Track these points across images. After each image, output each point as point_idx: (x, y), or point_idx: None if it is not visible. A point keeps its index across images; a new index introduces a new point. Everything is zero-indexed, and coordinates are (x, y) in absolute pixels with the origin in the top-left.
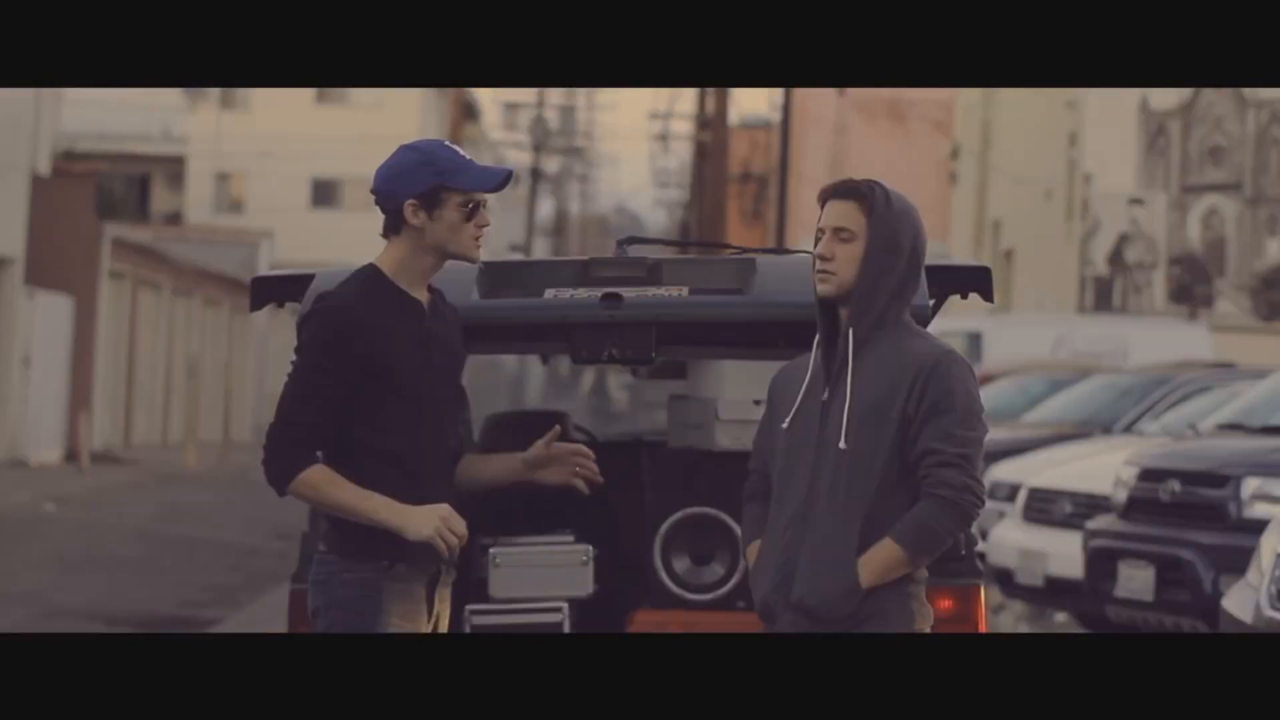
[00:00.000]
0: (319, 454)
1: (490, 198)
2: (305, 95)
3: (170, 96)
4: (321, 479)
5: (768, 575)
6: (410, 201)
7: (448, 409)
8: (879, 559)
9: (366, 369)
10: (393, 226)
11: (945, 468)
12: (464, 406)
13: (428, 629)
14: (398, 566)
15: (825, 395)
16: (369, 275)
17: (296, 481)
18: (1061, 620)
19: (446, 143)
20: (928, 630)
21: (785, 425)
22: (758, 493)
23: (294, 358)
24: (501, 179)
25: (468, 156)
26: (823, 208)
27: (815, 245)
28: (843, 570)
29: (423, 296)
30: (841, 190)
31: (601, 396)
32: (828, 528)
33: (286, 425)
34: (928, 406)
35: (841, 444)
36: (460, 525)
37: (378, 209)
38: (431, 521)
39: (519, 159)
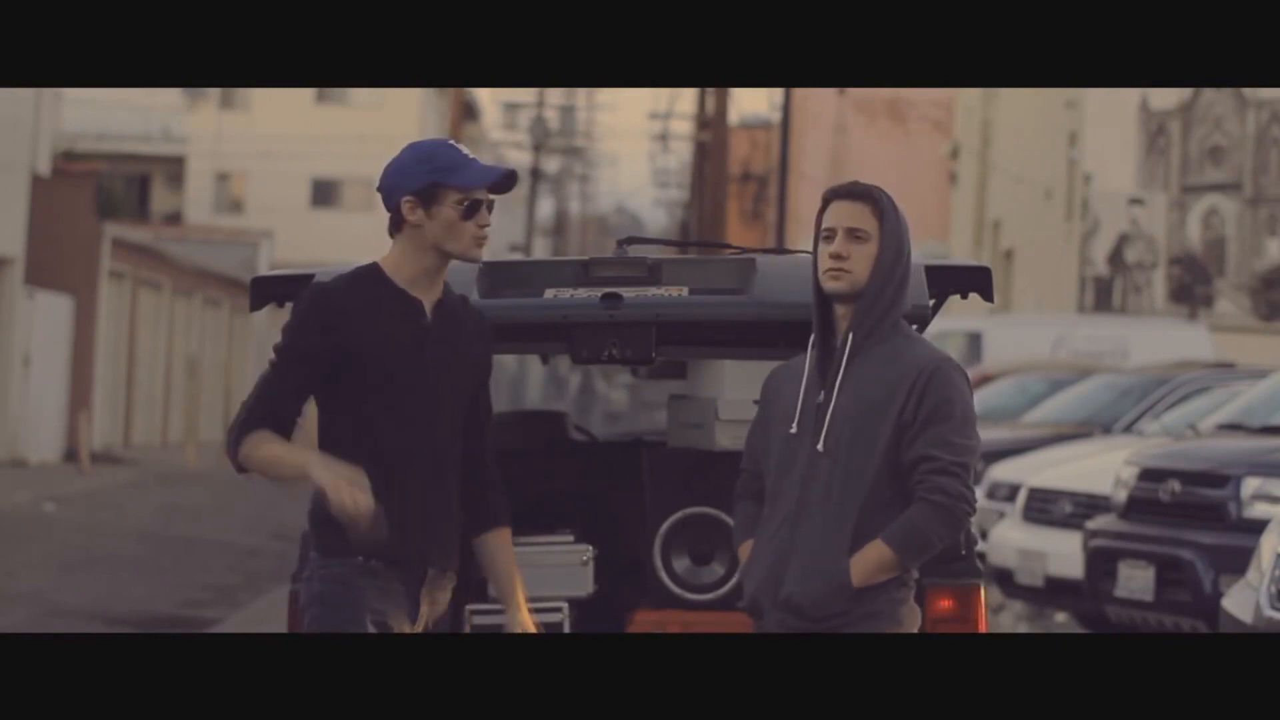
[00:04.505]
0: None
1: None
2: (305, 95)
3: (170, 96)
4: (256, 439)
5: (758, 573)
6: (407, 199)
7: (445, 412)
8: (869, 559)
9: (340, 359)
10: (394, 224)
11: (942, 475)
12: (487, 413)
13: (408, 628)
14: (373, 562)
15: (821, 398)
16: (365, 270)
17: (241, 452)
18: (1061, 620)
19: (450, 142)
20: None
21: (793, 431)
22: (748, 492)
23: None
24: (499, 177)
25: (470, 155)
26: (825, 207)
27: (820, 243)
28: (833, 570)
29: (426, 296)
30: (854, 192)
31: (589, 395)
32: (820, 529)
33: (249, 406)
34: (926, 413)
35: (819, 446)
36: (364, 500)
37: (383, 209)
38: (339, 474)
39: (519, 159)
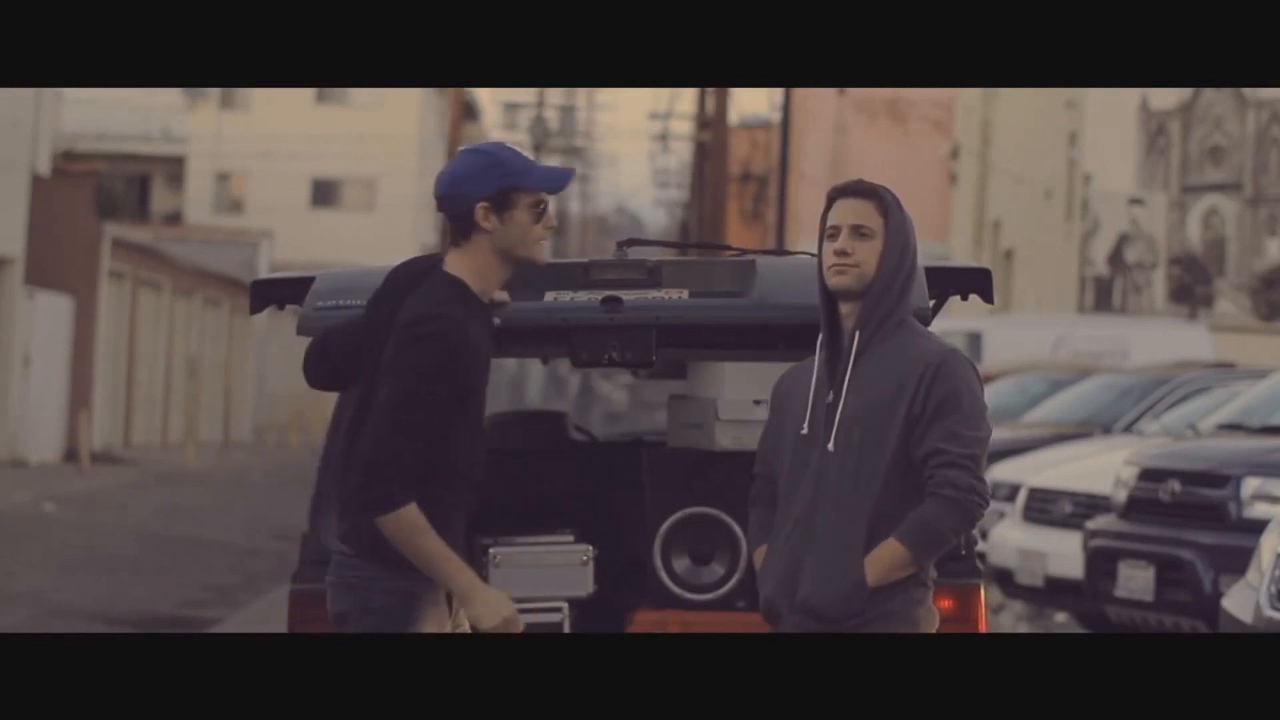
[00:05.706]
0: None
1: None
2: (305, 95)
3: (170, 96)
4: (417, 523)
5: (773, 576)
6: (482, 204)
7: None
8: (883, 558)
9: (465, 388)
10: (463, 232)
11: (951, 468)
12: None
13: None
14: None
15: (831, 398)
16: (459, 288)
17: (393, 515)
18: (1061, 620)
19: (507, 144)
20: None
21: (804, 432)
22: (762, 498)
23: (396, 378)
24: (567, 179)
25: (530, 156)
26: (830, 206)
27: (825, 241)
28: (848, 569)
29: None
30: (858, 190)
31: (589, 396)
32: (833, 529)
33: (396, 453)
34: (934, 406)
35: (830, 446)
36: (519, 626)
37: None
38: (502, 613)
39: None
